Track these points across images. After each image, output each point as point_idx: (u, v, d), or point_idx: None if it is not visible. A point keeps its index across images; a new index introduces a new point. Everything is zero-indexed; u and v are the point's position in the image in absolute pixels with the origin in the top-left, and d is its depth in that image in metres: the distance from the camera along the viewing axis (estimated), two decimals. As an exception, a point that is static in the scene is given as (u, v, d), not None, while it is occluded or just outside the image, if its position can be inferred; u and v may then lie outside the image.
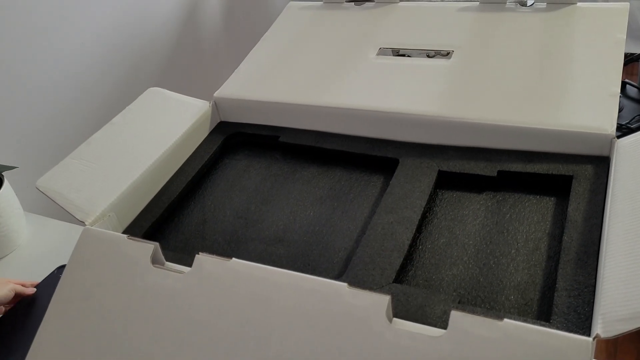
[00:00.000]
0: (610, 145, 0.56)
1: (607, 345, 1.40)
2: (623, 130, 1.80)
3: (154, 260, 0.53)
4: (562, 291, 0.46)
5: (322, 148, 0.69)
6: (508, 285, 0.50)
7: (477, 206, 0.58)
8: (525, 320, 0.43)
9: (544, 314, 0.46)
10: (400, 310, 0.47)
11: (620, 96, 2.13)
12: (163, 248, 0.55)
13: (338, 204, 0.63)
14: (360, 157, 0.67)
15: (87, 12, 1.18)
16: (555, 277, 0.48)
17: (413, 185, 0.60)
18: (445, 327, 0.42)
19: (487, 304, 0.49)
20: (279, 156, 0.72)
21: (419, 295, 0.48)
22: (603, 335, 0.38)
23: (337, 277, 0.53)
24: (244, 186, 0.69)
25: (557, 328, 0.43)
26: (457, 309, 0.42)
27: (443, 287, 0.51)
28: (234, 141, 0.76)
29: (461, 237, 0.55)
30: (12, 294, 0.75)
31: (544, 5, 0.75)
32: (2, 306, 0.76)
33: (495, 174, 0.59)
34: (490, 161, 0.60)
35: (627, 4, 0.69)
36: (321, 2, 0.88)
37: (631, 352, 1.39)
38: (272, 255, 0.59)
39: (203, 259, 0.51)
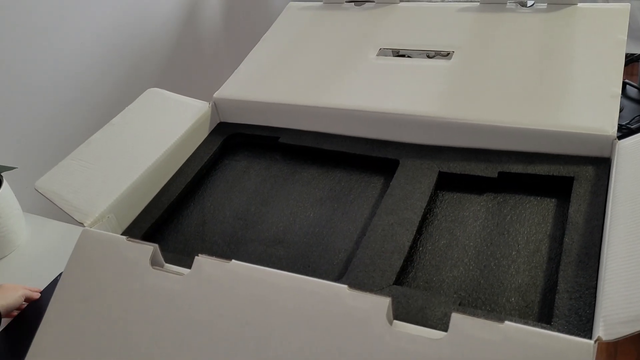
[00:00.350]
0: (611, 146, 0.56)
1: (607, 346, 1.40)
2: (623, 130, 1.80)
3: (153, 262, 0.53)
4: (563, 293, 0.45)
5: (321, 149, 0.69)
6: (509, 287, 0.50)
7: (477, 207, 0.58)
8: (526, 323, 0.43)
9: (545, 316, 0.46)
10: (401, 313, 0.47)
11: (620, 96, 2.12)
12: (162, 249, 0.54)
13: (338, 205, 0.62)
14: (360, 158, 0.67)
15: (87, 12, 1.18)
16: (556, 279, 0.48)
17: (413, 186, 0.60)
18: (445, 330, 0.42)
19: (488, 306, 0.49)
20: (279, 157, 0.72)
21: (419, 298, 0.48)
22: (605, 337, 0.38)
23: (337, 279, 0.53)
24: (244, 187, 0.68)
25: (558, 330, 0.42)
26: (457, 311, 0.42)
27: (443, 289, 0.51)
28: (234, 142, 0.76)
29: (462, 238, 0.55)
30: (22, 300, 0.76)
31: (544, 5, 0.74)
32: (13, 311, 0.77)
33: (496, 175, 0.59)
34: (490, 162, 0.60)
35: (627, 5, 0.69)
36: (321, 3, 0.88)
37: (631, 352, 1.38)
38: (272, 257, 0.58)
39: (202, 261, 0.51)
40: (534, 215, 0.56)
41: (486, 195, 0.59)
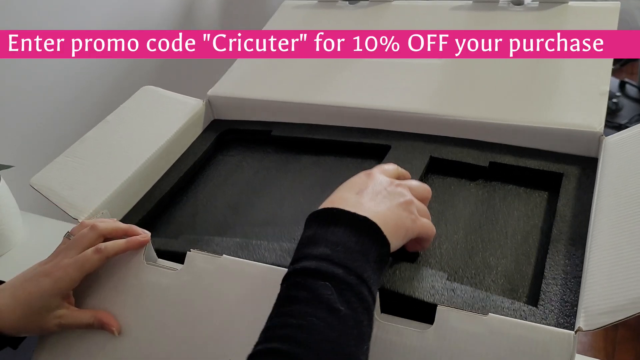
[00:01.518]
0: (598, 142, 0.57)
1: (605, 345, 1.40)
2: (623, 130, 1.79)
3: (147, 257, 0.53)
4: (549, 279, 0.46)
5: (314, 139, 0.69)
6: (495, 270, 0.50)
7: (467, 194, 0.59)
8: (513, 303, 0.44)
9: (530, 300, 0.46)
10: (389, 281, 0.47)
11: (620, 96, 2.11)
12: (153, 237, 0.55)
13: (330, 189, 0.61)
14: (352, 145, 0.67)
15: (87, 12, 1.19)
16: (542, 267, 0.48)
17: (404, 167, 0.59)
18: (434, 301, 0.43)
19: (474, 285, 0.49)
20: (272, 150, 0.72)
21: (407, 269, 0.48)
22: (585, 328, 0.39)
23: None
24: (236, 180, 0.69)
25: (545, 313, 0.43)
26: (443, 304, 0.43)
27: (431, 264, 0.51)
28: (228, 138, 0.76)
29: (451, 219, 0.55)
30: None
31: (536, 4, 0.75)
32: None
33: (487, 165, 0.59)
34: (482, 151, 0.61)
35: (617, 3, 0.70)
36: (315, 1, 0.89)
37: (630, 352, 1.39)
38: (260, 235, 0.58)
39: (194, 256, 0.51)
40: (522, 206, 0.56)
41: (476, 183, 0.60)
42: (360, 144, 0.66)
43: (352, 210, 0.43)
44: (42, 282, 0.50)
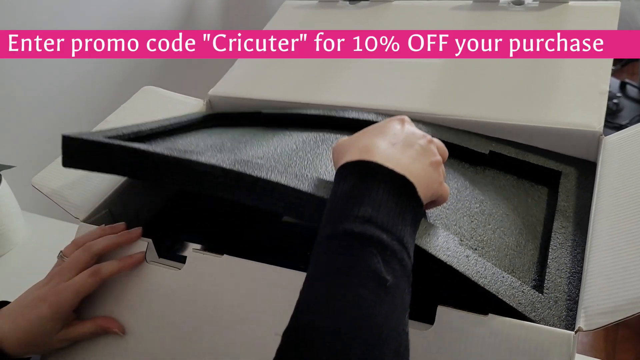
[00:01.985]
0: (598, 142, 0.57)
1: (605, 345, 1.40)
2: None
3: (149, 257, 0.54)
4: (553, 269, 0.46)
5: (307, 114, 0.67)
6: (499, 248, 0.49)
7: (467, 174, 0.58)
8: (522, 286, 0.43)
9: (534, 287, 0.47)
10: None
11: (620, 96, 2.11)
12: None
13: (324, 146, 0.59)
14: (347, 121, 0.65)
15: (87, 12, 1.19)
16: (544, 257, 0.48)
17: None
18: (448, 262, 0.42)
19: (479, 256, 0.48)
20: (262, 127, 0.70)
21: (423, 223, 0.45)
22: (585, 328, 0.39)
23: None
24: (220, 135, 0.65)
25: (549, 304, 0.43)
26: (443, 304, 0.43)
27: (437, 225, 0.50)
28: (218, 123, 0.74)
29: (453, 191, 0.53)
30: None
31: (536, 4, 0.75)
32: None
33: (487, 152, 0.59)
34: (483, 138, 0.61)
35: (618, 3, 0.70)
36: (316, 1, 0.89)
37: (630, 352, 1.39)
38: (248, 164, 0.49)
39: (195, 256, 0.52)
40: (522, 196, 0.56)
41: (477, 168, 0.60)
42: (356, 120, 0.64)
43: (390, 165, 0.39)
44: (40, 309, 0.50)
